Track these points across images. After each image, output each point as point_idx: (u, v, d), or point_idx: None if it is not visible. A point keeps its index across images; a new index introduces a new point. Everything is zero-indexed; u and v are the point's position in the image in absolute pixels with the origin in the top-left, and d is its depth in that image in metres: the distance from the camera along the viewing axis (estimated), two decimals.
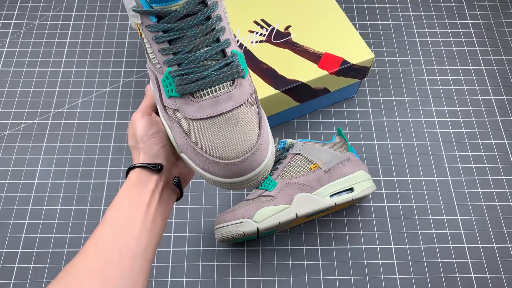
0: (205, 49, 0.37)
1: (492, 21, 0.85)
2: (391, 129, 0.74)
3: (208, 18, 0.37)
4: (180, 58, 0.36)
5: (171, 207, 0.43)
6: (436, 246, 0.65)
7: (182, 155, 0.40)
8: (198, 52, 0.37)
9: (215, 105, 0.37)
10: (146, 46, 0.39)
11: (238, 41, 0.70)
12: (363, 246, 0.65)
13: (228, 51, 0.38)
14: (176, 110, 0.38)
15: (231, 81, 0.38)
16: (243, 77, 0.38)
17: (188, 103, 0.37)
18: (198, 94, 0.37)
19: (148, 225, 0.39)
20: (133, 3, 0.35)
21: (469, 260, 0.64)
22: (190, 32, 0.36)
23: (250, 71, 0.67)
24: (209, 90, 0.37)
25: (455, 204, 0.68)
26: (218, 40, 0.37)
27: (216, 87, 0.37)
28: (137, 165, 0.40)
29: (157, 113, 0.44)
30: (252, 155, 0.36)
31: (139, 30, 0.38)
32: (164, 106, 0.40)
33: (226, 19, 0.38)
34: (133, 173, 0.40)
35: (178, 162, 0.44)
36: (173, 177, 0.43)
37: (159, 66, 0.38)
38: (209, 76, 0.37)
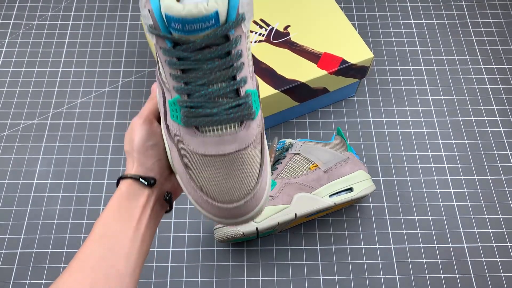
0: (219, 85, 0.34)
1: (491, 20, 0.85)
2: (391, 129, 0.74)
3: (228, 53, 0.34)
4: (191, 89, 0.35)
5: (160, 221, 0.42)
6: (436, 245, 0.65)
7: (178, 177, 0.39)
8: (211, 87, 0.34)
9: (219, 144, 0.35)
10: (158, 62, 0.37)
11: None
12: (363, 246, 0.65)
13: (243, 90, 0.35)
14: (179, 135, 0.37)
15: (239, 122, 0.36)
16: (252, 119, 0.36)
17: (192, 134, 0.36)
18: (203, 129, 0.36)
19: (137, 244, 0.37)
20: (150, 21, 0.32)
21: (468, 259, 0.64)
22: (206, 65, 0.34)
23: None
24: (215, 127, 0.35)
25: (455, 203, 0.68)
26: (234, 78, 0.35)
27: (223, 126, 0.35)
28: (129, 175, 0.39)
29: (159, 120, 0.42)
30: (246, 203, 0.35)
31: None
32: (167, 125, 0.38)
33: (247, 51, 0.36)
34: (124, 184, 0.39)
35: (171, 176, 0.42)
36: (165, 191, 0.41)
37: (168, 87, 0.36)
38: (217, 115, 0.35)
